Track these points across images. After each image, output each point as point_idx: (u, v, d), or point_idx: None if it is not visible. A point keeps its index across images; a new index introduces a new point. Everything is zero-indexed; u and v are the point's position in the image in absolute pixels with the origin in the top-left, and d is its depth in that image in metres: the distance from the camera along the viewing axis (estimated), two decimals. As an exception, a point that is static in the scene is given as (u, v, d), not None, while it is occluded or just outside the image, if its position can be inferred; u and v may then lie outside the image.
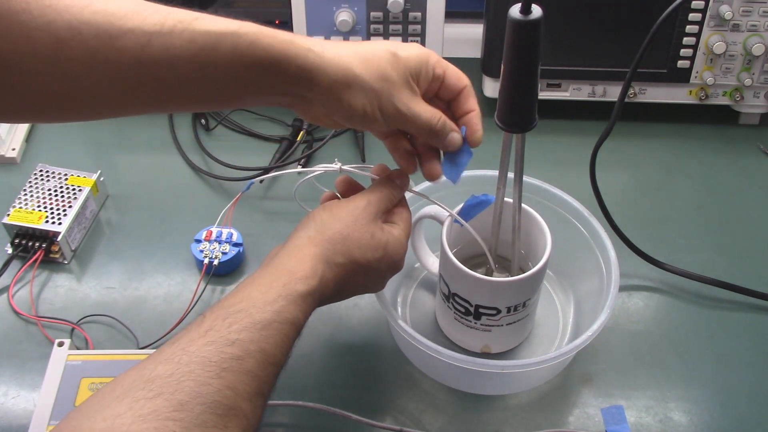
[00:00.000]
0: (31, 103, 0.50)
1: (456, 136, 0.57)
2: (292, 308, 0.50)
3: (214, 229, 0.75)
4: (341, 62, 0.52)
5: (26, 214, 0.74)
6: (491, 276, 0.65)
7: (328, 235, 0.54)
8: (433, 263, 0.69)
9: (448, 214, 0.62)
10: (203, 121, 0.91)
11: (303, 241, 0.54)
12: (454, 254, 0.62)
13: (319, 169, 0.64)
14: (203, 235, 0.75)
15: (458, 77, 0.57)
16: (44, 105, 0.50)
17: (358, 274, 0.55)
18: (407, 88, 0.55)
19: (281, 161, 0.85)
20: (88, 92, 0.49)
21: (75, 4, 0.46)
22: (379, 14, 0.86)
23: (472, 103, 0.58)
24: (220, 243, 0.74)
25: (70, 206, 0.76)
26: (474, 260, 0.68)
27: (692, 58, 0.86)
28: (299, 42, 0.51)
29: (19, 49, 0.46)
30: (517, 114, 0.53)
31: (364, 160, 0.85)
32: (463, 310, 0.64)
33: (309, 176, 0.66)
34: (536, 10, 0.47)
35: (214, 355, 0.45)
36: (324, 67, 0.52)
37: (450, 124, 0.57)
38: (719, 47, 0.84)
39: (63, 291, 0.73)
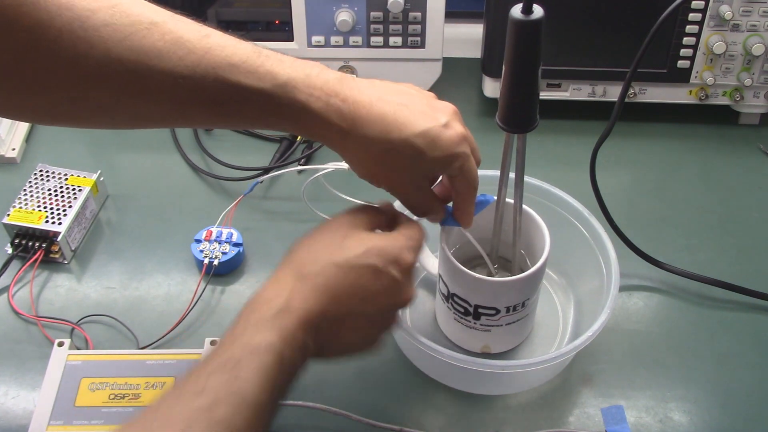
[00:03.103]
0: (50, 116, 0.51)
1: (435, 219, 0.58)
2: (261, 335, 0.44)
3: (215, 229, 0.75)
4: (363, 146, 0.51)
5: (26, 214, 0.74)
6: (491, 276, 0.65)
7: (296, 251, 0.50)
8: (432, 264, 0.69)
9: None
10: (203, 121, 0.91)
11: (277, 270, 0.50)
12: (453, 254, 0.62)
13: (329, 166, 0.64)
14: (203, 235, 0.75)
15: (468, 183, 0.55)
16: (61, 118, 0.51)
17: (341, 279, 0.49)
18: (417, 180, 0.54)
19: (281, 161, 0.85)
20: (110, 117, 0.50)
21: (111, 38, 0.45)
22: (379, 14, 0.86)
23: (465, 206, 0.57)
24: (220, 243, 0.74)
25: (70, 206, 0.76)
26: (473, 260, 0.68)
27: (692, 58, 0.86)
28: (330, 113, 0.50)
29: (45, 78, 0.46)
30: (519, 114, 0.53)
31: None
32: (462, 310, 0.64)
33: (318, 174, 0.66)
34: (537, 10, 0.47)
35: (183, 410, 0.41)
36: (342, 145, 0.52)
37: (435, 212, 0.57)
38: (719, 47, 0.84)
39: (63, 291, 0.73)
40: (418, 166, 0.53)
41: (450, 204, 0.60)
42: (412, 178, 0.54)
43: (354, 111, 0.50)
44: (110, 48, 0.45)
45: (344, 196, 0.73)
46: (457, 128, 0.52)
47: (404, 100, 0.52)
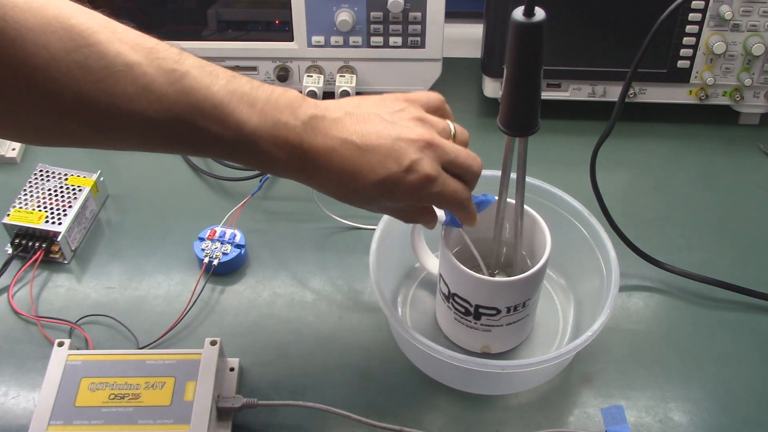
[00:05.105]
0: (20, 140, 0.53)
1: (426, 226, 0.59)
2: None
3: (218, 229, 0.75)
4: (319, 189, 0.54)
5: (26, 214, 0.74)
6: (492, 275, 0.65)
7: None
8: (433, 264, 0.69)
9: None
10: (203, 120, 0.91)
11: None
12: (454, 254, 0.62)
13: None
14: (207, 233, 0.75)
15: (446, 204, 0.56)
16: (32, 143, 0.52)
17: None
18: (388, 211, 0.57)
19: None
20: (82, 145, 0.51)
21: (84, 79, 0.45)
22: (379, 14, 0.86)
23: (456, 214, 0.59)
24: (222, 243, 0.74)
25: (70, 206, 0.76)
26: (474, 260, 0.68)
27: (692, 58, 0.86)
28: (291, 167, 0.52)
29: (16, 110, 0.46)
30: (520, 118, 0.53)
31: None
32: (463, 310, 0.64)
33: None
34: (539, 13, 0.47)
35: None
36: (307, 185, 0.54)
37: (422, 222, 0.59)
38: (719, 47, 0.84)
39: (63, 291, 0.73)
40: (381, 206, 0.55)
41: None
42: (382, 210, 0.57)
43: (315, 161, 0.51)
44: (82, 88, 0.45)
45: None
46: (422, 168, 0.52)
47: (372, 139, 0.51)
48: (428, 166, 0.52)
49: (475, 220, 0.58)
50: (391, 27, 0.87)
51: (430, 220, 0.59)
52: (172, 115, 0.48)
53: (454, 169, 0.54)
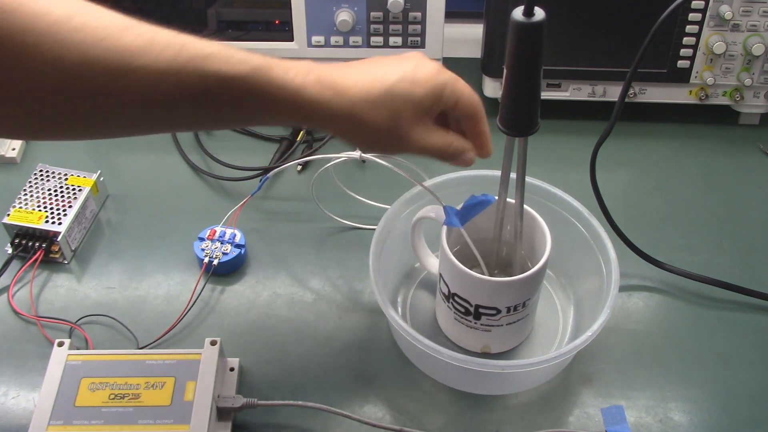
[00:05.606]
0: (35, 127, 0.51)
1: (468, 156, 0.58)
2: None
3: (218, 229, 0.75)
4: (351, 109, 0.53)
5: (26, 214, 0.74)
6: (492, 275, 0.65)
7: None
8: (433, 263, 0.69)
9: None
10: (203, 120, 0.91)
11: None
12: (454, 254, 0.62)
13: (342, 156, 0.64)
14: (207, 233, 0.75)
15: (470, 104, 0.56)
16: (47, 129, 0.51)
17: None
18: (418, 123, 0.55)
19: (281, 161, 0.85)
20: (93, 122, 0.50)
21: (87, 40, 0.46)
22: (379, 14, 0.86)
23: (480, 127, 0.57)
24: (222, 243, 0.74)
25: (70, 206, 0.76)
26: (474, 260, 0.68)
27: (692, 58, 0.86)
28: (309, 87, 0.51)
29: (29, 82, 0.46)
30: (520, 118, 0.53)
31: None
32: (463, 310, 0.64)
33: (330, 164, 0.66)
34: (539, 13, 0.47)
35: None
36: (331, 115, 0.52)
37: (461, 146, 0.57)
38: (719, 47, 0.84)
39: (63, 291, 0.73)
40: (411, 111, 0.54)
41: (451, 206, 0.60)
42: (413, 124, 0.54)
43: (333, 80, 0.52)
44: (87, 51, 0.46)
45: (352, 193, 0.73)
46: (429, 63, 0.55)
47: (371, 62, 0.55)
48: (432, 62, 0.55)
49: (490, 146, 0.58)
50: (391, 27, 0.87)
51: (465, 144, 0.58)
52: (181, 64, 0.48)
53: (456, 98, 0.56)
